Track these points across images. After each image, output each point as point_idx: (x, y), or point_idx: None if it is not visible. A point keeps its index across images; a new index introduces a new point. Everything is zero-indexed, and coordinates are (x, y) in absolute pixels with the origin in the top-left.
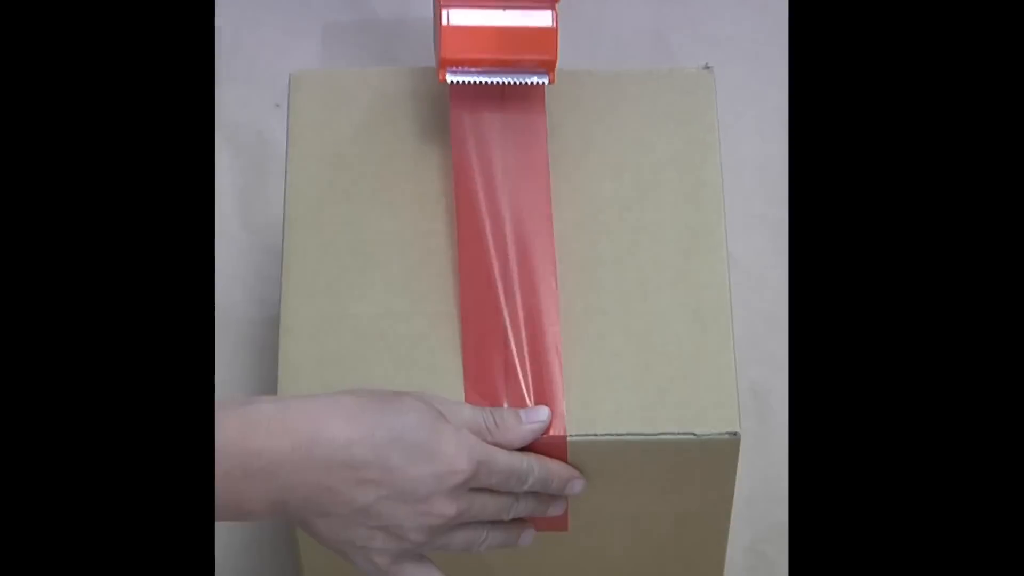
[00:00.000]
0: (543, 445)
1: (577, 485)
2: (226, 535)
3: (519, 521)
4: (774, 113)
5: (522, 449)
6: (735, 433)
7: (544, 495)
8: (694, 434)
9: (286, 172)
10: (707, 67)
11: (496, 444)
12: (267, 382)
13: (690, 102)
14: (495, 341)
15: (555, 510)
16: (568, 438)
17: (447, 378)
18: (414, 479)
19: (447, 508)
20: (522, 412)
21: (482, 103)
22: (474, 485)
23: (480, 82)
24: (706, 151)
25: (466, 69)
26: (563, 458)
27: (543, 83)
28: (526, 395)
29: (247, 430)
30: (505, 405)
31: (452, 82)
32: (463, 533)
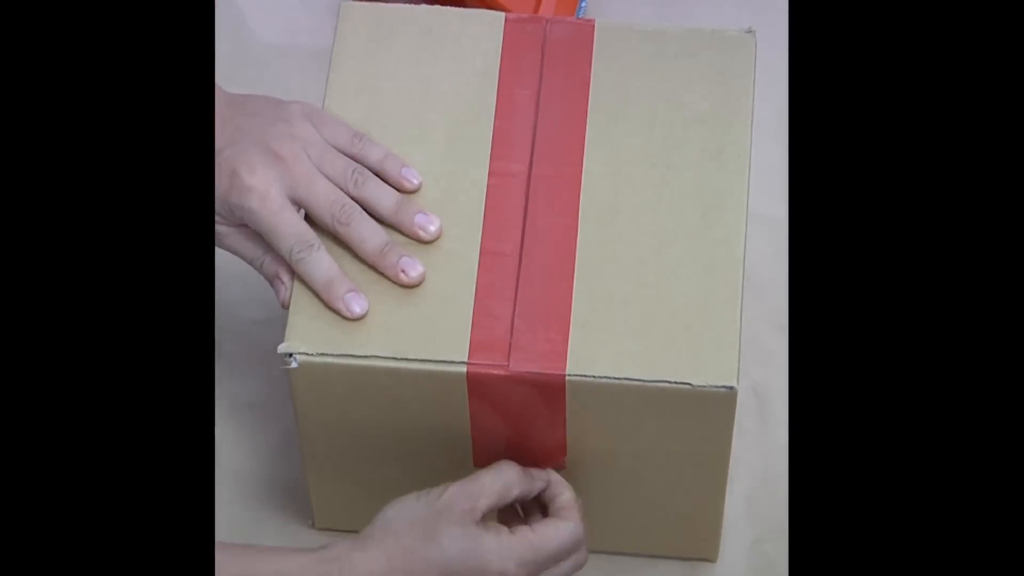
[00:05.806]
0: (540, 379)
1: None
2: (229, 490)
3: None
4: (774, 113)
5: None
6: (731, 387)
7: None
8: (690, 384)
9: (324, 98)
10: (750, 31)
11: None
12: (267, 382)
13: (728, 63)
14: (508, 276)
15: None
16: (567, 376)
17: (455, 309)
18: None
19: None
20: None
21: (532, 43)
22: None
23: None
24: (738, 111)
25: None
26: (561, 397)
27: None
28: (531, 329)
29: None
30: (510, 341)
31: None
32: None
